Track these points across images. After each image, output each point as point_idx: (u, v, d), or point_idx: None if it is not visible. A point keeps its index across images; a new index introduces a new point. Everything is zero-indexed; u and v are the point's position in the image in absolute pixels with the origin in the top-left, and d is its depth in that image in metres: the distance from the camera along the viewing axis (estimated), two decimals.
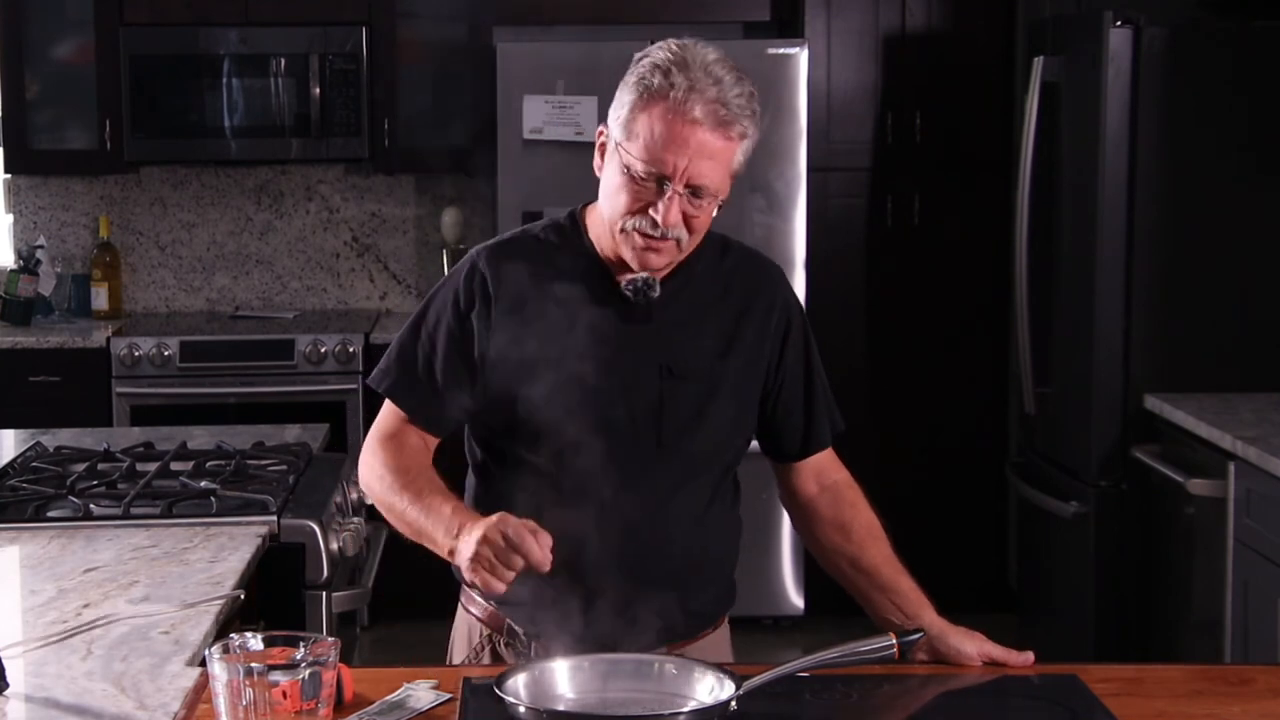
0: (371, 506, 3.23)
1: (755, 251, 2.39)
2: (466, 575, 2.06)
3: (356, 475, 3.21)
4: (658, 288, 2.22)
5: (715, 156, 2.13)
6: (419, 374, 2.27)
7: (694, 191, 2.14)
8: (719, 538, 2.33)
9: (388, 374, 2.30)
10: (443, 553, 2.12)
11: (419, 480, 2.21)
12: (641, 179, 2.13)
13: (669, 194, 2.13)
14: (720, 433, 2.27)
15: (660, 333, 2.24)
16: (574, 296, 2.23)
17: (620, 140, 2.15)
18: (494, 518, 2.03)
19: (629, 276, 2.22)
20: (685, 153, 2.11)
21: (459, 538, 2.07)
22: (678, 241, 2.17)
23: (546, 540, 2.01)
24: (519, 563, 2.00)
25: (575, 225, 2.29)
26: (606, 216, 2.20)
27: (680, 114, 2.10)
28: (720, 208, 2.19)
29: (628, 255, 2.19)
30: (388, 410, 2.30)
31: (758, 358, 2.30)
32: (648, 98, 2.12)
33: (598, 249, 2.26)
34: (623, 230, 2.17)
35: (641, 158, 2.12)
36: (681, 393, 2.23)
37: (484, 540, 2.01)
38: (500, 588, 2.02)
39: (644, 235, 2.16)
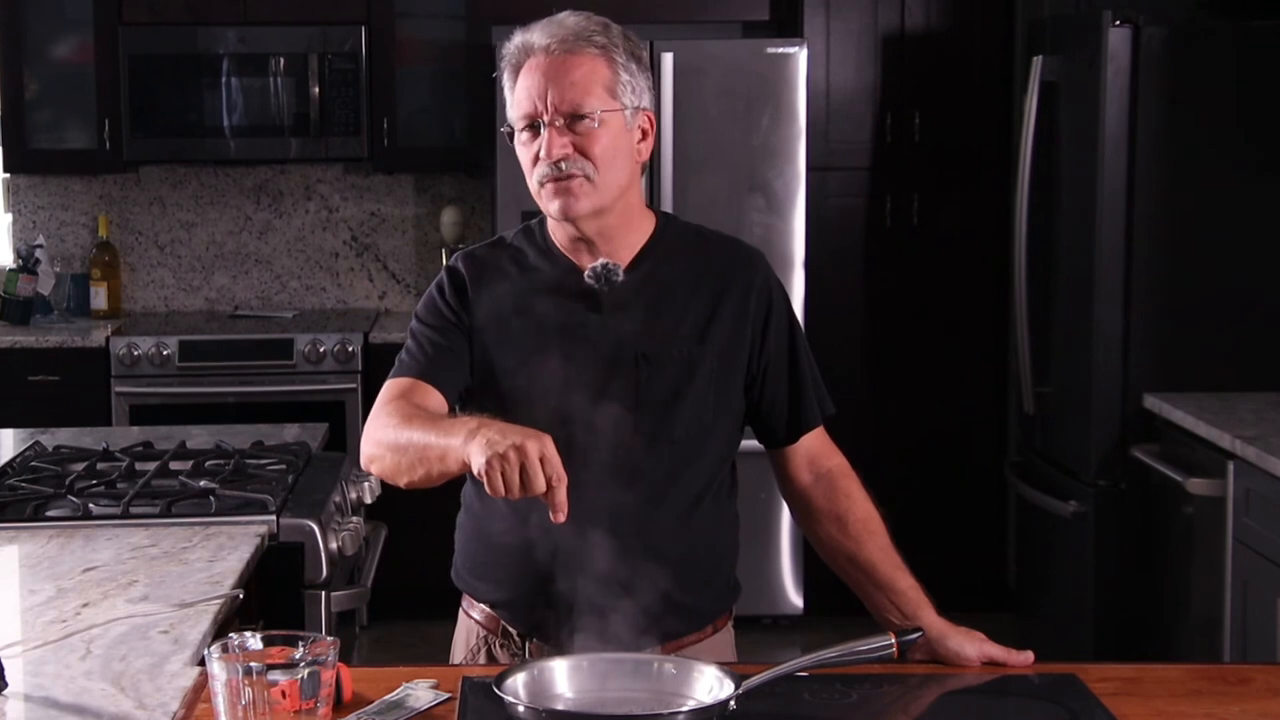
0: (371, 506, 3.26)
1: (733, 238, 2.39)
2: (477, 462, 1.93)
3: (356, 474, 3.24)
4: (620, 273, 2.23)
5: (575, 76, 2.17)
6: (419, 351, 2.26)
7: (572, 118, 2.17)
8: (713, 532, 2.32)
9: (397, 364, 2.29)
10: (459, 450, 1.98)
11: (435, 416, 2.14)
12: (528, 135, 2.19)
13: (542, 133, 2.17)
14: (700, 419, 2.26)
15: (634, 320, 2.24)
16: (545, 293, 2.25)
17: (510, 123, 2.23)
18: (543, 435, 1.94)
19: (590, 264, 2.24)
20: (543, 86, 2.17)
21: (485, 430, 1.96)
22: (586, 177, 2.18)
23: (564, 494, 1.94)
24: (537, 487, 1.91)
25: (542, 227, 2.32)
26: (533, 193, 2.23)
27: (529, 59, 2.19)
28: (644, 136, 2.22)
29: (552, 210, 2.20)
30: (390, 383, 2.26)
31: (738, 341, 2.29)
32: (509, 72, 2.22)
33: (558, 245, 2.28)
34: (539, 190, 2.21)
35: (518, 116, 2.20)
36: (658, 379, 2.23)
37: (521, 449, 1.91)
38: (501, 492, 1.92)
39: (552, 180, 2.18)
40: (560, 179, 2.17)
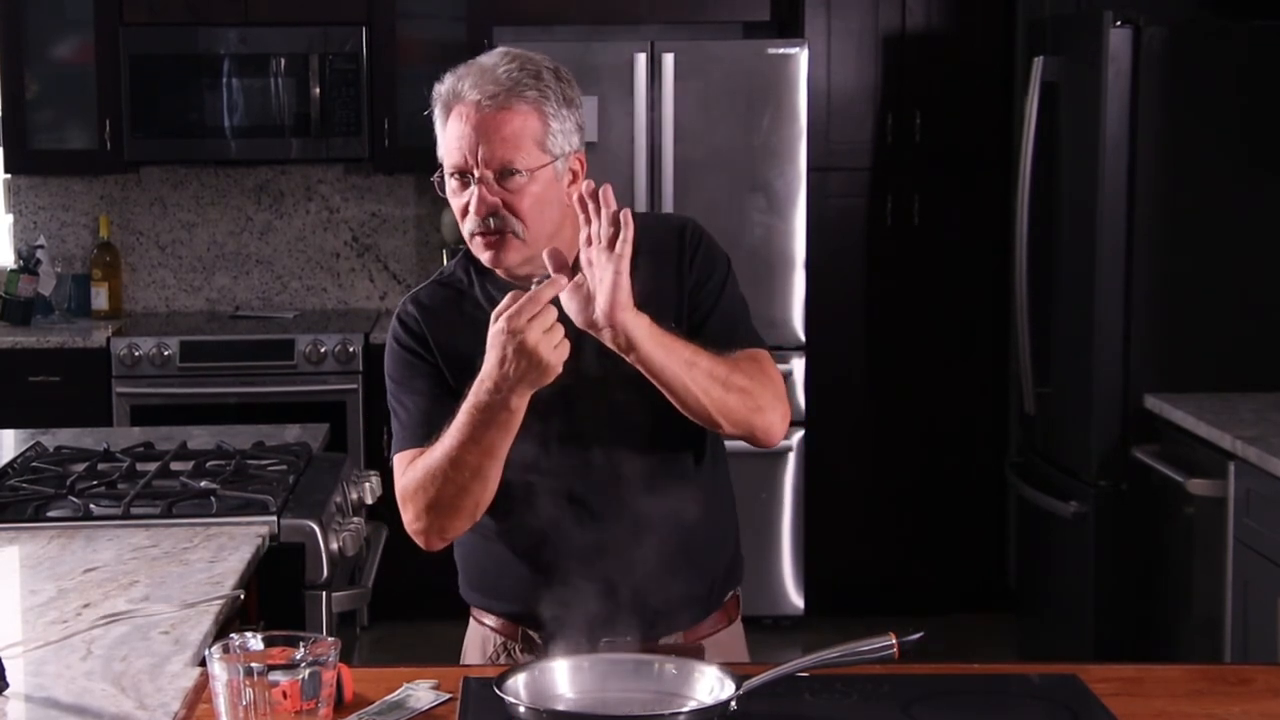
0: (371, 506, 3.26)
1: (664, 214, 2.38)
2: (500, 370, 2.00)
3: (356, 474, 3.25)
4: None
5: (505, 133, 2.14)
6: (414, 414, 2.25)
7: (502, 174, 2.14)
8: (711, 494, 2.31)
9: (395, 438, 2.28)
10: (493, 386, 2.04)
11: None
12: (458, 184, 2.17)
13: (472, 185, 2.15)
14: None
15: None
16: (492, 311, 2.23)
17: (440, 163, 2.21)
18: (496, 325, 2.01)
19: (534, 277, 2.19)
20: (473, 141, 2.15)
21: (484, 380, 2.04)
22: (514, 233, 2.16)
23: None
24: (549, 313, 1.98)
25: None
26: (464, 236, 2.22)
27: (459, 109, 2.16)
28: (575, 179, 2.18)
29: (484, 259, 2.19)
30: (398, 458, 2.26)
31: (680, 301, 2.25)
32: (439, 113, 2.20)
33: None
34: (469, 238, 2.19)
35: (448, 165, 2.18)
36: (620, 366, 2.14)
37: (505, 332, 1.99)
38: (563, 354, 1.99)
39: (480, 234, 2.17)
40: (489, 234, 2.16)
